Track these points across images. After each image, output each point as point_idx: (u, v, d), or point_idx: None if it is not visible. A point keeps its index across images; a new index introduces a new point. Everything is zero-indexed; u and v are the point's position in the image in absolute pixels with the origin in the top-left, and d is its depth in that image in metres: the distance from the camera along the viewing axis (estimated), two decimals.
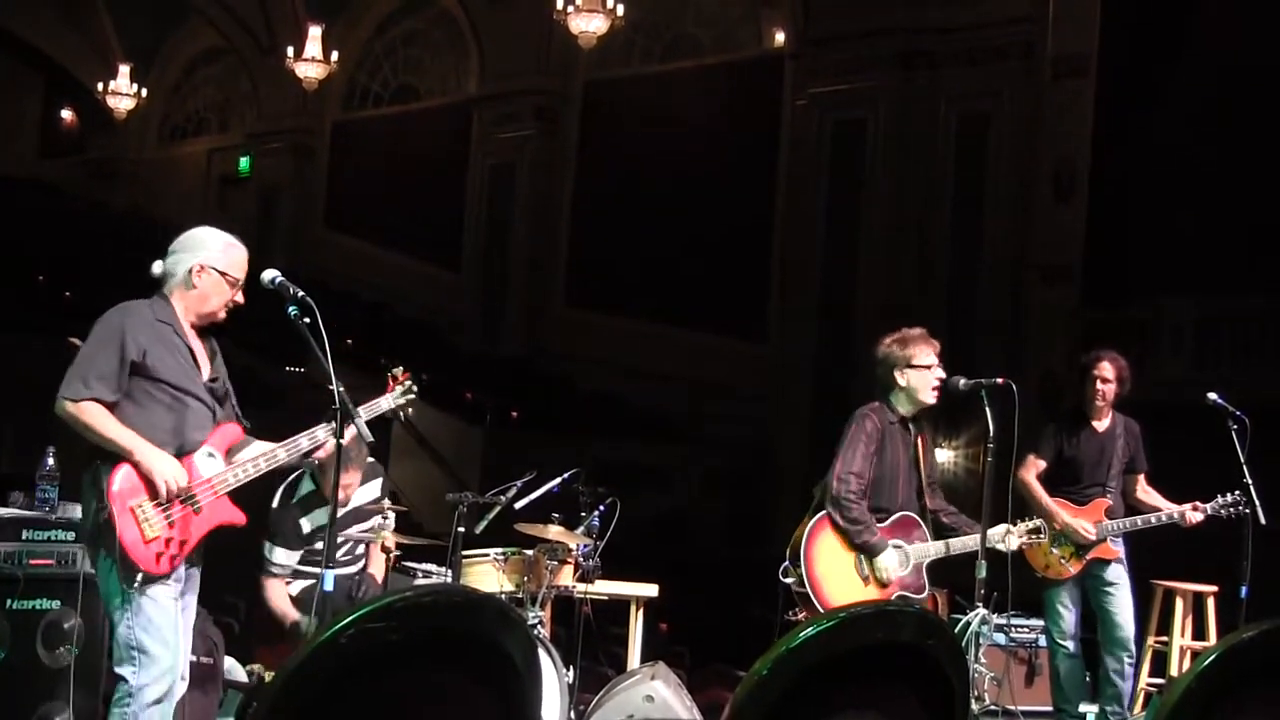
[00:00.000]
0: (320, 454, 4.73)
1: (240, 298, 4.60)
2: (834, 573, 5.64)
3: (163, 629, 4.30)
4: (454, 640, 2.41)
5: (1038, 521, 6.03)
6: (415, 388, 5.09)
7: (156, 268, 4.57)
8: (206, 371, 4.57)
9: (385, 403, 5.00)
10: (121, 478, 4.29)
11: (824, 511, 5.71)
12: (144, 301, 4.53)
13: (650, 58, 21.89)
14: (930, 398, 5.77)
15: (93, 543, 4.40)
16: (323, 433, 4.64)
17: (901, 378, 5.79)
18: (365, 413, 4.75)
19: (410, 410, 5.09)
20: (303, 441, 4.64)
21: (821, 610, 5.44)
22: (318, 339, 4.32)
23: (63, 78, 30.00)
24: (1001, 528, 5.81)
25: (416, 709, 2.40)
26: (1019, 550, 5.89)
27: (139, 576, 4.24)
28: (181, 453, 4.43)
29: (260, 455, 4.57)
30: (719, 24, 21.17)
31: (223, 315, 4.60)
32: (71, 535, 5.32)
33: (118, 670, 4.32)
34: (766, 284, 18.99)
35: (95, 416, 4.30)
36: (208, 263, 4.53)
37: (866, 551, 5.67)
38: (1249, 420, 6.44)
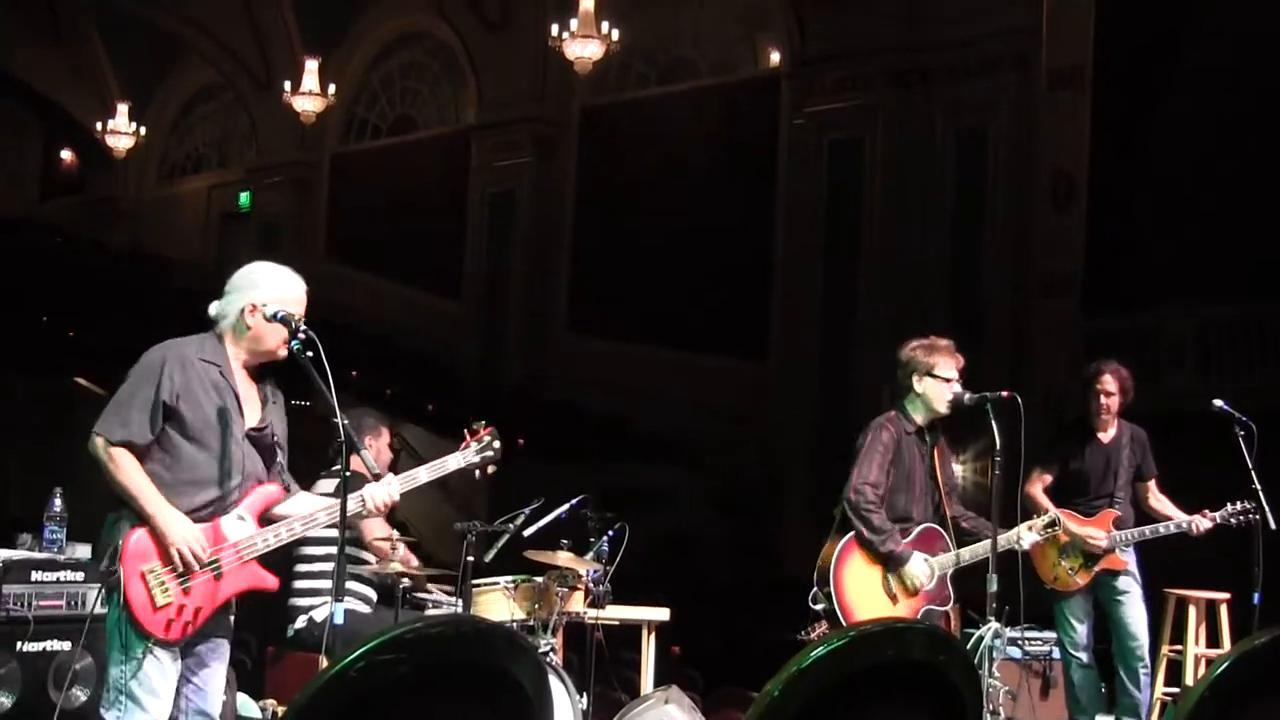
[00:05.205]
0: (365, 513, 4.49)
1: (304, 330, 4.36)
2: (864, 596, 5.64)
3: (153, 679, 4.15)
4: (464, 670, 2.41)
5: (1051, 515, 6.03)
6: (497, 444, 4.66)
7: (212, 308, 4.45)
8: (253, 418, 4.40)
9: (454, 461, 4.61)
10: (136, 540, 4.13)
11: (850, 534, 5.70)
12: (192, 338, 4.39)
13: (646, 82, 21.92)
14: (944, 408, 5.79)
15: (106, 587, 4.24)
16: (352, 504, 4.36)
17: (919, 384, 5.82)
18: (429, 473, 4.55)
19: (491, 469, 4.62)
20: (321, 516, 4.41)
21: None
22: (321, 372, 4.26)
23: (61, 118, 30.08)
24: (1019, 527, 5.81)
25: None
26: (1028, 561, 5.89)
27: (149, 640, 4.12)
28: (215, 506, 4.27)
29: (283, 525, 4.36)
30: (714, 46, 21.18)
31: (284, 353, 4.39)
32: (81, 576, 5.31)
33: (103, 712, 4.21)
34: (768, 304, 18.98)
35: (124, 468, 4.16)
36: (259, 301, 4.41)
37: (893, 561, 5.65)
38: (1255, 427, 6.44)
